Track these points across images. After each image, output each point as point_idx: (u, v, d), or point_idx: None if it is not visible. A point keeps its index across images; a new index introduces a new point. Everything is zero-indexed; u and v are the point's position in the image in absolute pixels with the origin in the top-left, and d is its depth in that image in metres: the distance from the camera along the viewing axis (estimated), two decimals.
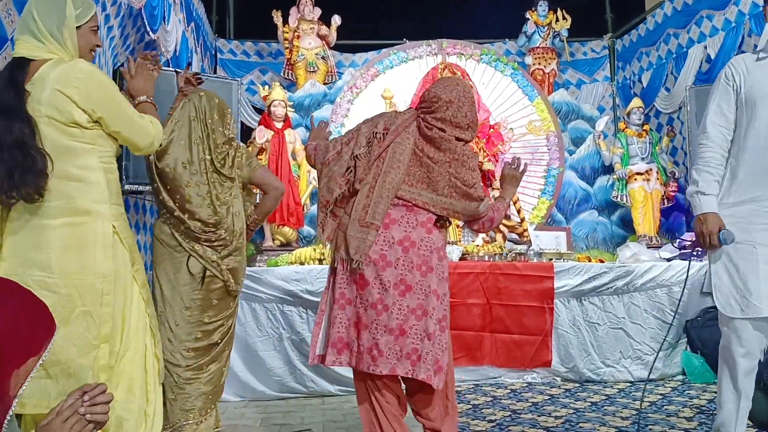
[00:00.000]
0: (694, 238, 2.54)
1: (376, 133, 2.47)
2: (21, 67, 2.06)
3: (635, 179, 5.98)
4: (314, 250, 4.51)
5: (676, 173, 6.07)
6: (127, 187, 4.22)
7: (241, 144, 3.01)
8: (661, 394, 3.91)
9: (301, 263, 4.38)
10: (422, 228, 2.41)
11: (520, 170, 2.67)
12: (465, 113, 2.45)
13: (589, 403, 3.71)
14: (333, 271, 2.48)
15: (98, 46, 2.27)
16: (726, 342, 2.48)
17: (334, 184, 2.47)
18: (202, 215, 2.68)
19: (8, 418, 1.36)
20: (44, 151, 1.99)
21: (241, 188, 2.93)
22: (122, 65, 4.28)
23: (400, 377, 2.45)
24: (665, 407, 3.59)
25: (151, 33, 4.53)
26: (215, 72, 7.13)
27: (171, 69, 4.84)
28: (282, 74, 6.99)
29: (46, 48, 2.10)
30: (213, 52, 7.30)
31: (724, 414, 2.49)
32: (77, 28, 2.16)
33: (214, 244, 2.72)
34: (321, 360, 2.45)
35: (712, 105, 2.56)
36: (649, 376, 3.26)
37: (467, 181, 2.40)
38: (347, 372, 3.95)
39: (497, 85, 6.49)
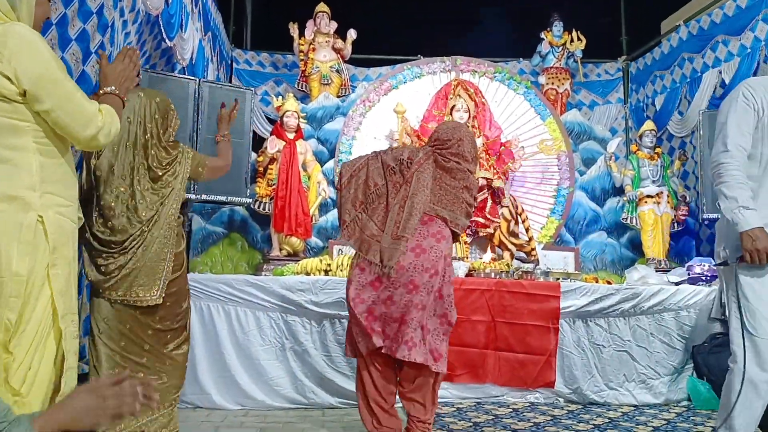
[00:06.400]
0: (739, 254, 2.42)
1: (403, 161, 2.99)
2: None
3: (645, 202, 5.96)
4: (320, 261, 4.51)
5: (687, 197, 6.05)
6: None
7: (186, 146, 2.81)
8: (665, 420, 3.86)
9: (307, 273, 4.38)
10: (432, 238, 2.91)
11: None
12: (470, 149, 3.05)
13: (592, 426, 3.66)
14: (355, 273, 2.93)
15: (49, 18, 2.00)
16: (747, 366, 2.37)
17: (350, 208, 3.00)
18: (115, 224, 2.52)
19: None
20: None
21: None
22: (138, 72, 4.33)
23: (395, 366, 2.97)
24: None
25: (167, 40, 4.58)
26: (230, 81, 7.20)
27: (187, 77, 4.90)
28: (296, 86, 7.05)
29: None
30: (229, 62, 7.38)
31: None
32: None
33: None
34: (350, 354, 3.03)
35: (731, 124, 2.48)
36: None
37: (471, 203, 3.04)
38: (349, 385, 3.94)
39: (510, 103, 6.51)
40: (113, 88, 2.08)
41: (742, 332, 2.38)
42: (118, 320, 2.55)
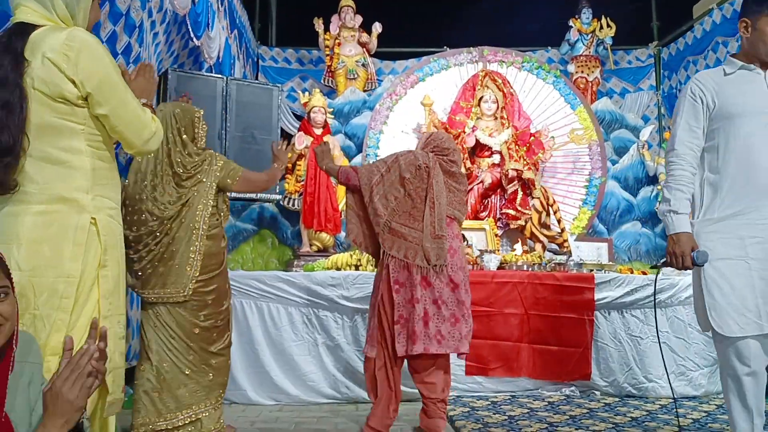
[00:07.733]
0: (665, 258, 2.50)
1: (420, 167, 3.13)
2: (22, 33, 1.80)
3: None
4: (351, 256, 4.50)
5: None
6: None
7: (218, 153, 2.95)
8: (705, 412, 3.78)
9: (338, 269, 4.38)
10: (456, 239, 3.18)
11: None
12: (459, 159, 3.35)
13: (630, 419, 3.60)
14: (391, 278, 3.08)
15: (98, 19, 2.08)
16: (726, 362, 2.38)
17: (386, 201, 3.12)
18: (134, 219, 2.71)
19: None
20: (26, 135, 1.76)
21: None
22: (166, 71, 4.37)
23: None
24: (709, 425, 3.46)
25: (195, 39, 4.61)
26: (257, 78, 7.22)
27: (214, 75, 4.93)
28: (322, 81, 7.05)
29: (52, 16, 1.86)
30: (255, 59, 7.40)
31: None
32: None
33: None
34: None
35: (680, 122, 2.54)
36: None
37: (465, 204, 3.36)
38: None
39: (539, 93, 6.42)
40: (145, 100, 2.11)
41: (716, 331, 2.38)
42: (166, 318, 2.75)
